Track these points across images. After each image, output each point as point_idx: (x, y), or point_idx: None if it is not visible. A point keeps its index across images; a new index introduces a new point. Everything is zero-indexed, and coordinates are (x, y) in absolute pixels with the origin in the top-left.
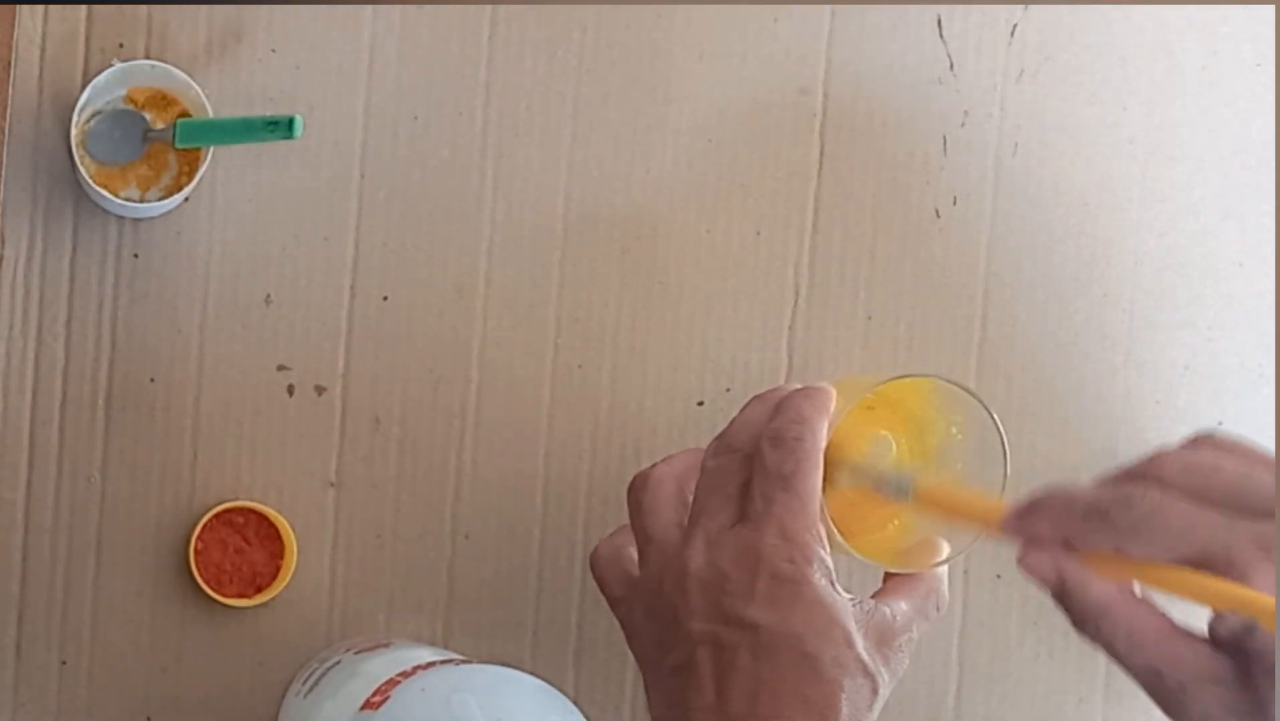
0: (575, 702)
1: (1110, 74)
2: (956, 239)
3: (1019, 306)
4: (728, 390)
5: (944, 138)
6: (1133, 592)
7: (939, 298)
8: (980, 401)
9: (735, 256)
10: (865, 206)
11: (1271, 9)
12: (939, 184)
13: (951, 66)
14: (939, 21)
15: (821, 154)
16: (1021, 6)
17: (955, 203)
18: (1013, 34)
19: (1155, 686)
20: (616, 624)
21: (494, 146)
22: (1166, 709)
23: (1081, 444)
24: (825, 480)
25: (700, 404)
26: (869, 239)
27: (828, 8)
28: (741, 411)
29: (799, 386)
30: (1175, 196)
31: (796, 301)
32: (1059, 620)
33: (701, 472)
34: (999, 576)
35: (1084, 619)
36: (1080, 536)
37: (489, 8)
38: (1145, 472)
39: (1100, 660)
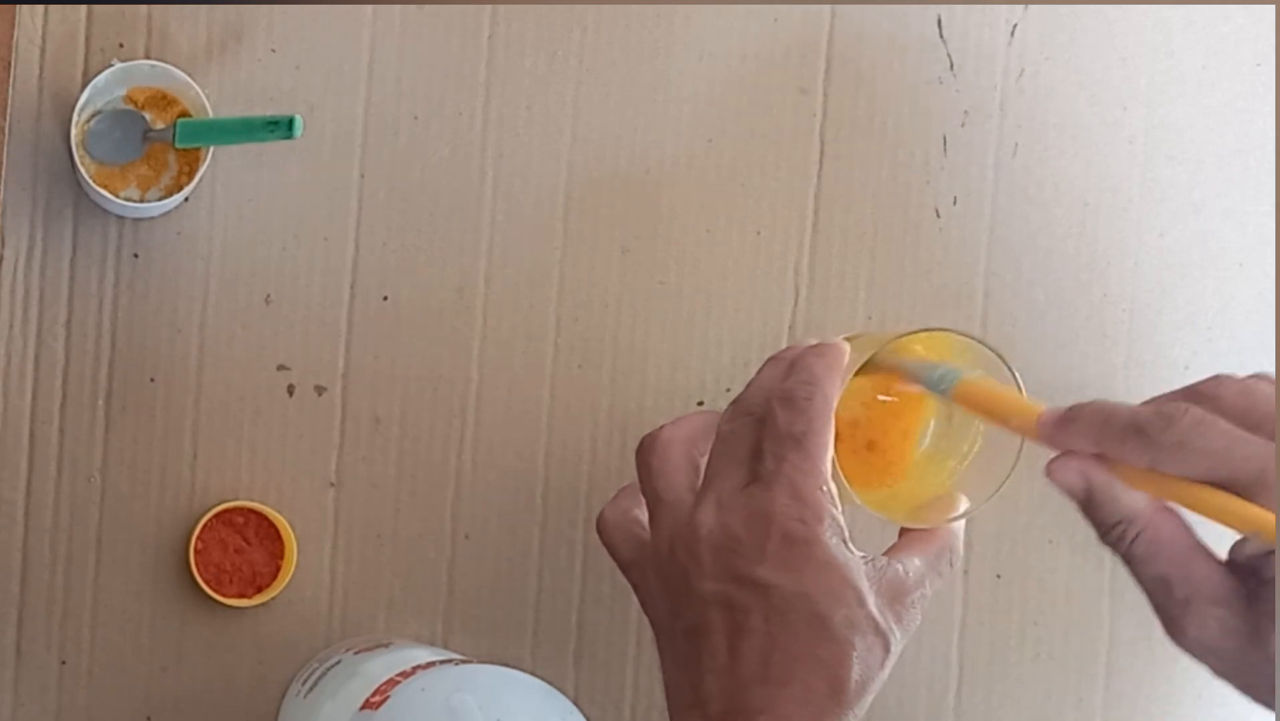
0: (575, 702)
1: (1110, 74)
2: (956, 239)
3: (1019, 306)
4: (728, 390)
5: (944, 138)
6: (1161, 503)
7: (939, 298)
8: (999, 355)
9: (735, 256)
10: (865, 206)
11: (1271, 9)
12: (939, 184)
13: (951, 66)
14: (939, 21)
15: (821, 154)
16: (1021, 6)
17: (955, 203)
18: (1013, 34)
19: (1162, 597)
20: (616, 624)
21: (494, 146)
22: (1167, 624)
23: None
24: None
25: (700, 404)
26: (869, 239)
27: (828, 8)
28: (757, 374)
29: (813, 343)
30: (1175, 196)
31: (796, 301)
32: (1059, 620)
33: (716, 436)
34: (999, 576)
35: (1109, 525)
36: (1116, 451)
37: (489, 8)
38: (1200, 390)
39: (1100, 661)
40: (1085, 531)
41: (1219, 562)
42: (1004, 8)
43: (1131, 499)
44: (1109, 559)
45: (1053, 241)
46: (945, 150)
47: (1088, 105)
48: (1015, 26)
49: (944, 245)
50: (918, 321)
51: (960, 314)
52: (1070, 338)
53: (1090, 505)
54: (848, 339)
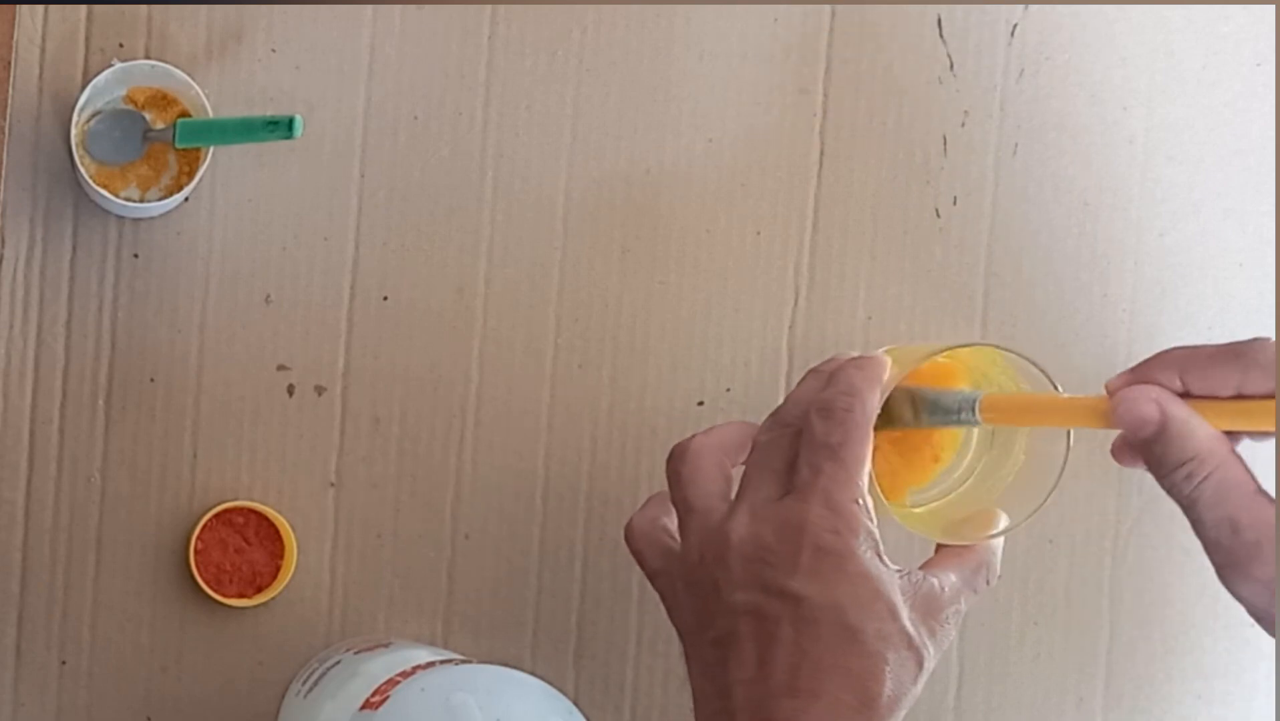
0: (575, 702)
1: (1110, 74)
2: (956, 239)
3: (1019, 306)
4: (728, 390)
5: (944, 138)
6: (1230, 447)
7: (939, 298)
8: (1044, 371)
9: (735, 256)
10: (865, 206)
11: (1271, 9)
12: (939, 184)
13: (951, 66)
14: (939, 21)
15: (821, 154)
16: (1021, 6)
17: (955, 202)
18: (1013, 34)
19: (1229, 540)
20: (616, 624)
21: (494, 146)
22: (1229, 568)
23: (1081, 444)
24: (885, 423)
25: (700, 404)
26: (869, 239)
27: (828, 8)
28: (797, 386)
29: (854, 355)
30: (1175, 196)
31: (796, 301)
32: (1059, 620)
33: (753, 447)
34: (999, 576)
35: (1176, 464)
36: (1203, 375)
37: (489, 8)
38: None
39: (1100, 661)
40: (1085, 531)
41: None
42: (1004, 8)
43: (1206, 433)
44: (1109, 559)
45: (1053, 241)
46: (945, 150)
47: (1088, 105)
48: (1015, 26)
49: (944, 245)
50: (917, 322)
51: (960, 314)
52: (1070, 337)
53: (1161, 439)
54: (888, 351)
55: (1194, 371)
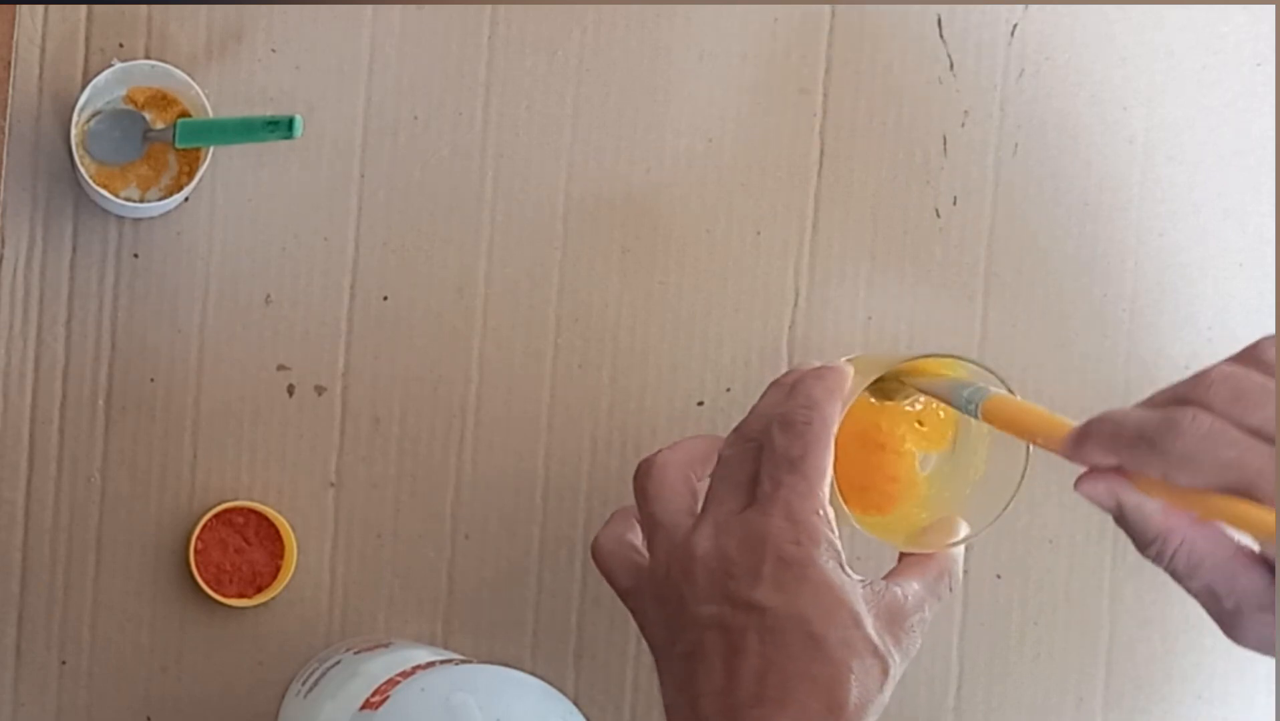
0: (575, 702)
1: (1110, 74)
2: (956, 239)
3: (1019, 306)
4: (728, 390)
5: (944, 138)
6: (1194, 516)
7: (939, 298)
8: (1004, 383)
9: (735, 256)
10: (865, 206)
11: (1271, 9)
12: (939, 184)
13: (951, 66)
14: (939, 21)
15: (821, 154)
16: (1021, 6)
17: (955, 203)
18: (1013, 34)
19: (1213, 607)
20: (616, 624)
21: (494, 146)
22: (1225, 628)
23: None
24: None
25: (700, 404)
26: (869, 239)
27: (828, 8)
28: (761, 398)
29: (815, 366)
30: (1175, 196)
31: (796, 301)
32: (1059, 620)
33: (717, 461)
34: (999, 576)
35: (1145, 542)
36: (1130, 463)
37: (489, 8)
38: (1191, 396)
39: (1100, 661)
40: (1085, 531)
41: (1265, 566)
42: (1004, 8)
43: (1164, 514)
44: (1109, 559)
45: (1053, 241)
46: (945, 150)
47: (1088, 105)
48: (1015, 26)
49: (944, 245)
50: (917, 322)
51: (960, 314)
52: (1070, 337)
53: (1123, 522)
54: (850, 360)
55: (1122, 458)
